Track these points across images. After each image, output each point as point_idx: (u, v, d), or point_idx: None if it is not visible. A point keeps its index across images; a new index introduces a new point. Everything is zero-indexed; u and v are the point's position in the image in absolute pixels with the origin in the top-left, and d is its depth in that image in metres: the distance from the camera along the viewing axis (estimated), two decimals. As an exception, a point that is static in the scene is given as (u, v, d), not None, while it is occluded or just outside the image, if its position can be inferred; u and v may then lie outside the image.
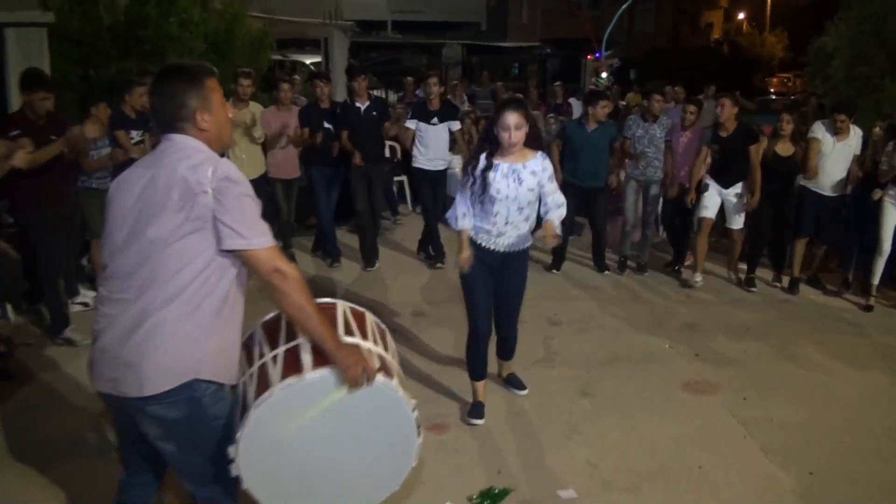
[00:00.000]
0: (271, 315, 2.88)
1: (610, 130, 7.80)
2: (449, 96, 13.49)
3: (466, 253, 4.52)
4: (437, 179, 8.03)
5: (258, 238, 2.48)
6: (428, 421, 4.63)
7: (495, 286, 4.66)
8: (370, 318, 3.03)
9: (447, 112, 7.94)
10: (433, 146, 7.86)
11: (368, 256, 7.99)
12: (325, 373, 2.54)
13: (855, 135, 7.13)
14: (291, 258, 7.81)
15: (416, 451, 2.78)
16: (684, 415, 4.89)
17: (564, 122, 9.13)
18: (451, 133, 8.00)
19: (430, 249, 8.20)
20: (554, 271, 7.94)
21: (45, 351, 5.67)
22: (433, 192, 8.03)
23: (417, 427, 2.74)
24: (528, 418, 4.76)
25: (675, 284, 7.61)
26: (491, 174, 4.39)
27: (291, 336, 2.69)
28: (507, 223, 4.44)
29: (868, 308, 6.90)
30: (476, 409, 4.77)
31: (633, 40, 38.07)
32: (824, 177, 7.13)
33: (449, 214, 4.67)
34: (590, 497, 3.94)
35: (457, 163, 9.92)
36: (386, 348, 2.92)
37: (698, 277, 7.53)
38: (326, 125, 7.71)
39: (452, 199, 7.74)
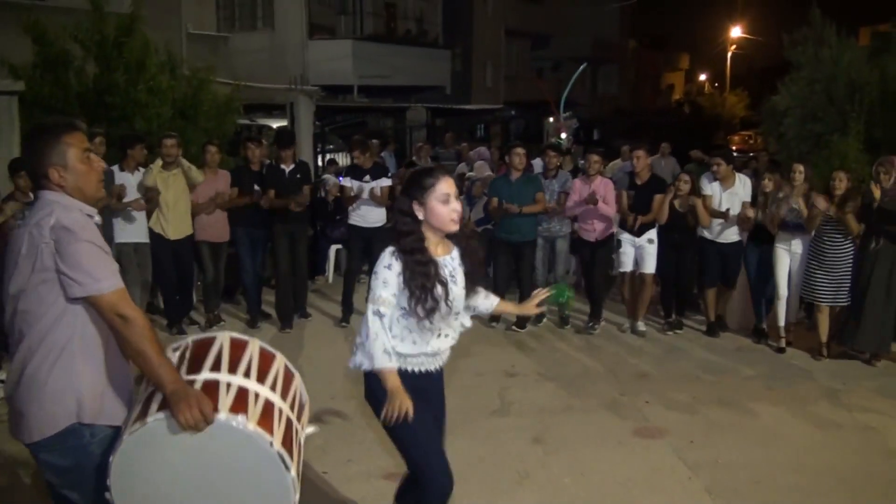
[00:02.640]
0: None
1: (535, 181, 7.91)
2: (414, 157, 13.83)
3: (406, 399, 3.13)
4: (372, 236, 8.00)
5: (97, 283, 2.50)
6: (384, 471, 4.73)
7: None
8: (253, 347, 2.85)
9: (378, 171, 8.19)
10: (366, 204, 8.05)
11: (284, 318, 8.02)
12: (162, 415, 2.51)
13: (741, 182, 7.59)
14: (218, 320, 7.87)
15: (291, 485, 2.61)
16: (633, 459, 5.01)
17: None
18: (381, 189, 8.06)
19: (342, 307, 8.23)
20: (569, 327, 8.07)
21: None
22: (366, 250, 8.06)
23: (282, 459, 2.58)
24: (481, 466, 4.84)
25: (630, 337, 7.79)
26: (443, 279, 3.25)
27: None
28: (442, 335, 3.37)
29: (781, 350, 7.25)
30: None
31: (598, 101, 39.14)
32: (718, 226, 7.56)
33: (359, 358, 3.31)
34: (537, 539, 4.05)
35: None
36: (263, 380, 2.75)
37: (642, 327, 7.85)
38: (256, 187, 7.83)
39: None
